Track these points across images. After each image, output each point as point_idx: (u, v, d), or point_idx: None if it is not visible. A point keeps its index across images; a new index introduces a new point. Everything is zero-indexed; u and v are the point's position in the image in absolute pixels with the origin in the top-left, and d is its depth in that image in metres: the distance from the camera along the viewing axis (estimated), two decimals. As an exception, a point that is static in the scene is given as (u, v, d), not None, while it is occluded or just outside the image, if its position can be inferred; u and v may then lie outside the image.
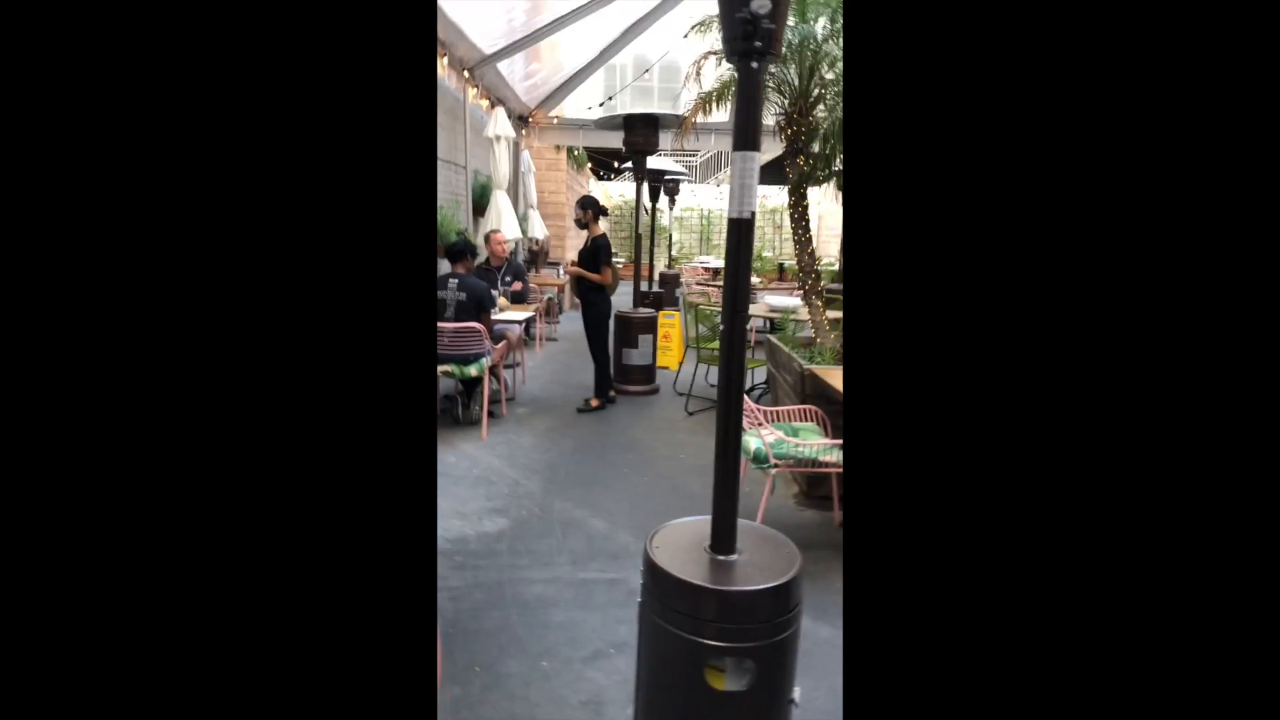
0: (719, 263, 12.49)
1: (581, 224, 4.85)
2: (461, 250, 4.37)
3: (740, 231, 1.38)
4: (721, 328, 1.44)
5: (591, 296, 4.80)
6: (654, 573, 1.49)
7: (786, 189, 4.15)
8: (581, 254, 4.87)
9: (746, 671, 1.44)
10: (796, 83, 3.89)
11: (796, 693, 1.54)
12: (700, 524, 1.65)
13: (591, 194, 5.28)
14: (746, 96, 1.36)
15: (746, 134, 1.37)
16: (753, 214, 1.39)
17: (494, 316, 4.55)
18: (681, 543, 1.57)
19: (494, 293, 4.65)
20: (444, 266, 4.61)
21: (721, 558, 1.50)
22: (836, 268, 9.12)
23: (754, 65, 1.33)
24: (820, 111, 3.98)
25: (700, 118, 4.91)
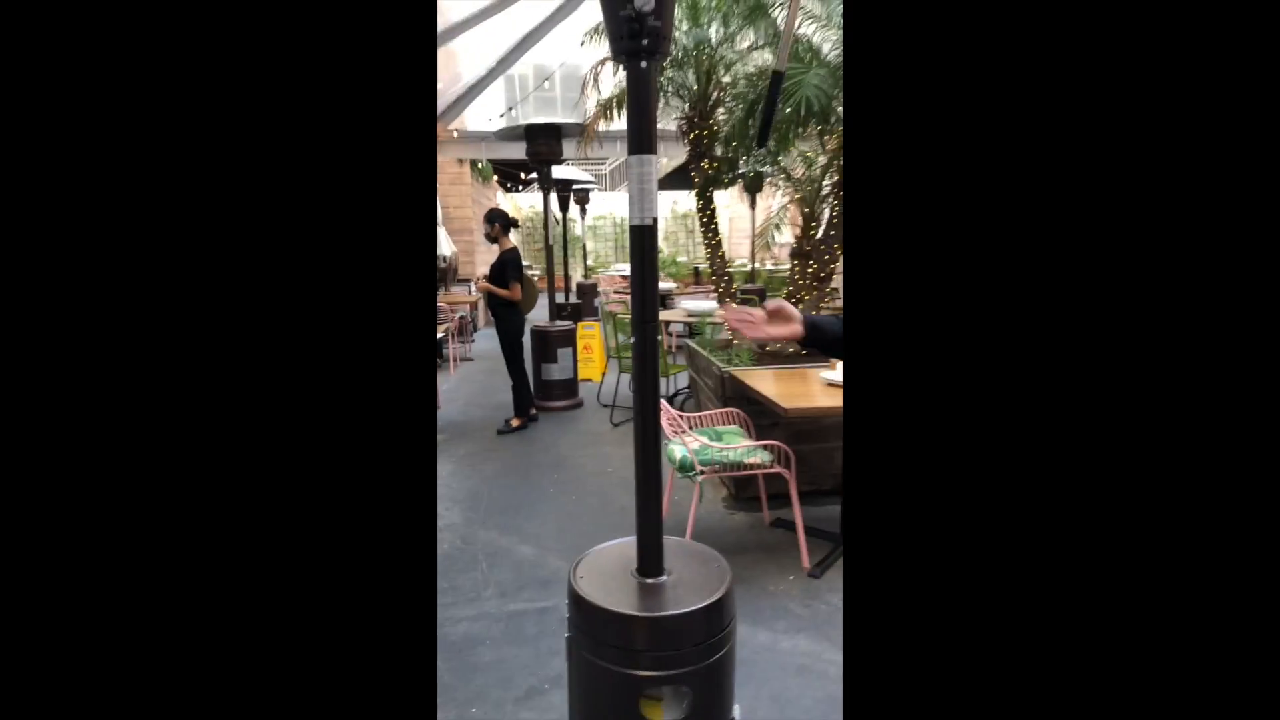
0: (635, 269, 12.51)
1: (491, 238, 4.69)
2: None
3: (644, 238, 1.32)
4: (631, 339, 1.37)
5: (503, 312, 4.65)
6: (579, 605, 1.40)
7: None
8: (492, 269, 4.72)
9: (683, 698, 1.37)
10: (695, 87, 3.90)
11: (737, 710, 1.49)
12: (625, 546, 1.57)
13: (499, 207, 5.10)
14: (638, 97, 1.30)
15: (641, 137, 1.31)
16: (654, 220, 1.33)
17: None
18: (607, 569, 1.49)
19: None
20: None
21: (649, 581, 1.43)
22: (748, 268, 9.30)
23: (643, 65, 1.28)
24: (721, 114, 4.01)
25: (604, 125, 4.86)
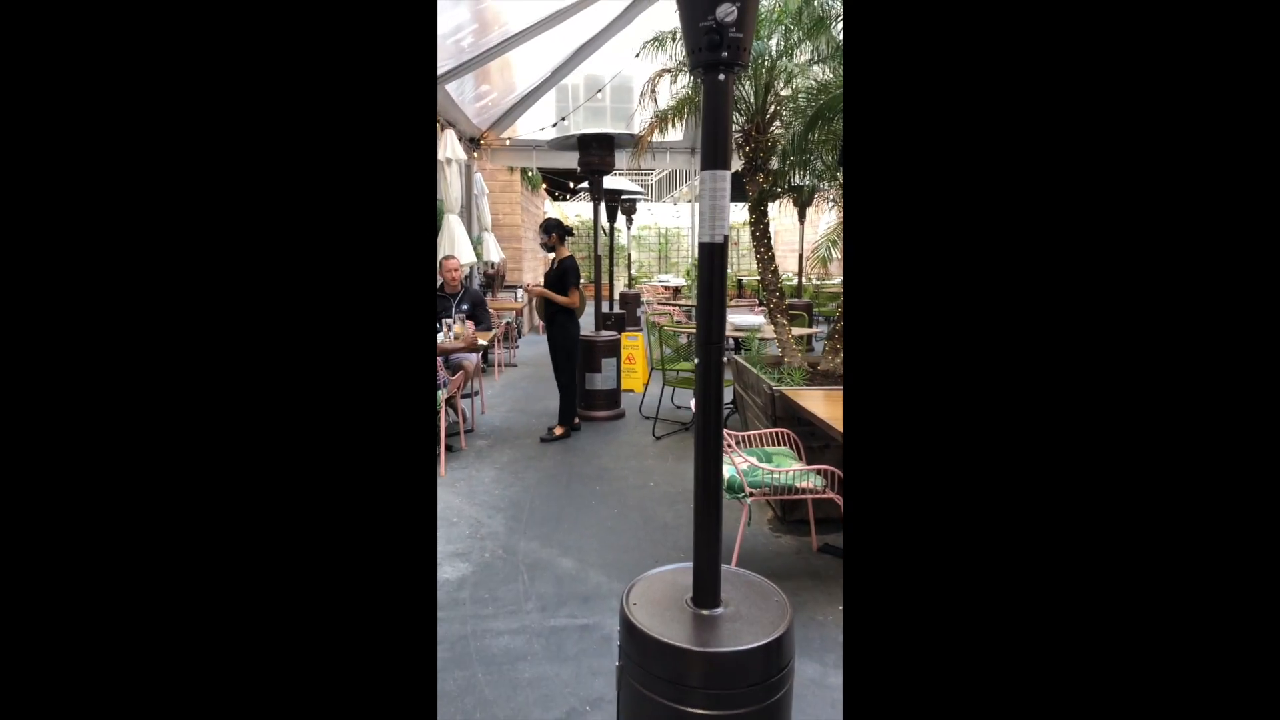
0: (679, 280, 12.47)
1: (548, 247, 4.71)
2: None
3: (713, 257, 1.27)
4: (696, 361, 1.32)
5: (560, 319, 4.65)
6: (633, 633, 1.35)
7: (746, 206, 4.10)
8: (548, 277, 4.73)
9: (738, 739, 1.30)
10: (753, 99, 3.85)
11: (792, 754, 1.42)
12: (680, 573, 1.52)
13: (550, 215, 5.10)
14: (714, 111, 1.25)
15: (715, 151, 1.26)
16: (726, 237, 1.28)
17: (450, 345, 4.36)
18: (661, 596, 1.44)
19: (447, 321, 4.46)
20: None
21: (705, 612, 1.37)
22: (795, 283, 9.16)
23: (721, 78, 1.23)
24: (777, 128, 3.94)
25: (655, 136, 4.84)
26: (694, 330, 5.63)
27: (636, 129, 5.18)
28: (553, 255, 4.76)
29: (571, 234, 4.79)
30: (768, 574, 1.50)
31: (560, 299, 4.57)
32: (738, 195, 4.74)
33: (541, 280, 4.92)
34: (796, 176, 3.92)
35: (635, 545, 3.06)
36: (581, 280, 4.82)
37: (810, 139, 3.42)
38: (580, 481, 3.88)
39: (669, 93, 4.39)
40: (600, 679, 2.10)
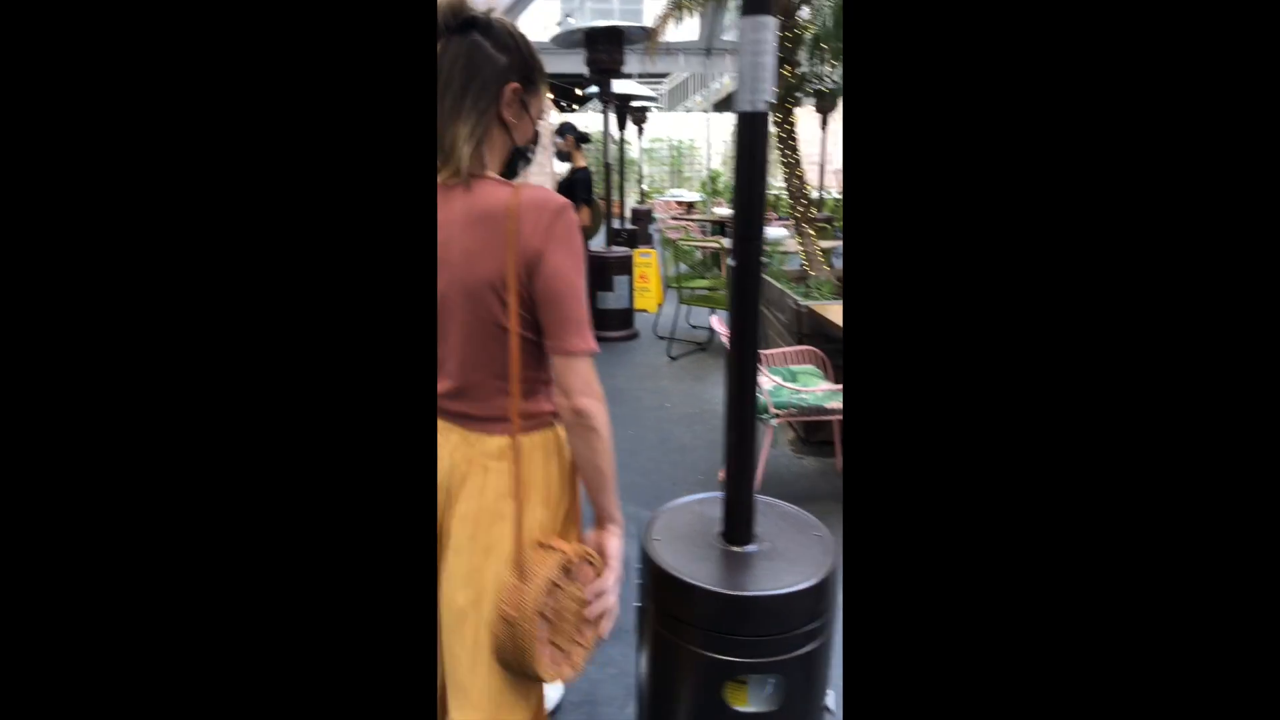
0: (693, 196, 12.00)
1: (563, 154, 4.35)
2: None
3: (755, 129, 1.02)
4: (732, 263, 1.10)
5: None
6: (655, 574, 1.20)
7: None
8: (558, 189, 4.42)
9: (775, 686, 1.17)
10: (780, -21, 3.43)
11: (830, 698, 1.29)
12: (706, 504, 1.36)
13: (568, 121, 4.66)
14: (757, -62, 0.98)
15: (758, -8, 0.99)
16: (768, 104, 1.03)
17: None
18: (686, 530, 1.28)
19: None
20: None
21: (737, 550, 1.21)
22: (815, 196, 8.72)
23: (767, -111, 0.95)
24: (805, 15, 3.54)
25: (670, 33, 4.42)
26: (710, 245, 5.34)
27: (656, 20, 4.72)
28: (568, 164, 4.41)
29: (588, 139, 4.42)
30: (791, 497, 1.34)
31: None
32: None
33: None
34: (829, 71, 3.55)
35: (654, 467, 2.94)
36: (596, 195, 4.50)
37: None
38: (593, 403, 3.74)
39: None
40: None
